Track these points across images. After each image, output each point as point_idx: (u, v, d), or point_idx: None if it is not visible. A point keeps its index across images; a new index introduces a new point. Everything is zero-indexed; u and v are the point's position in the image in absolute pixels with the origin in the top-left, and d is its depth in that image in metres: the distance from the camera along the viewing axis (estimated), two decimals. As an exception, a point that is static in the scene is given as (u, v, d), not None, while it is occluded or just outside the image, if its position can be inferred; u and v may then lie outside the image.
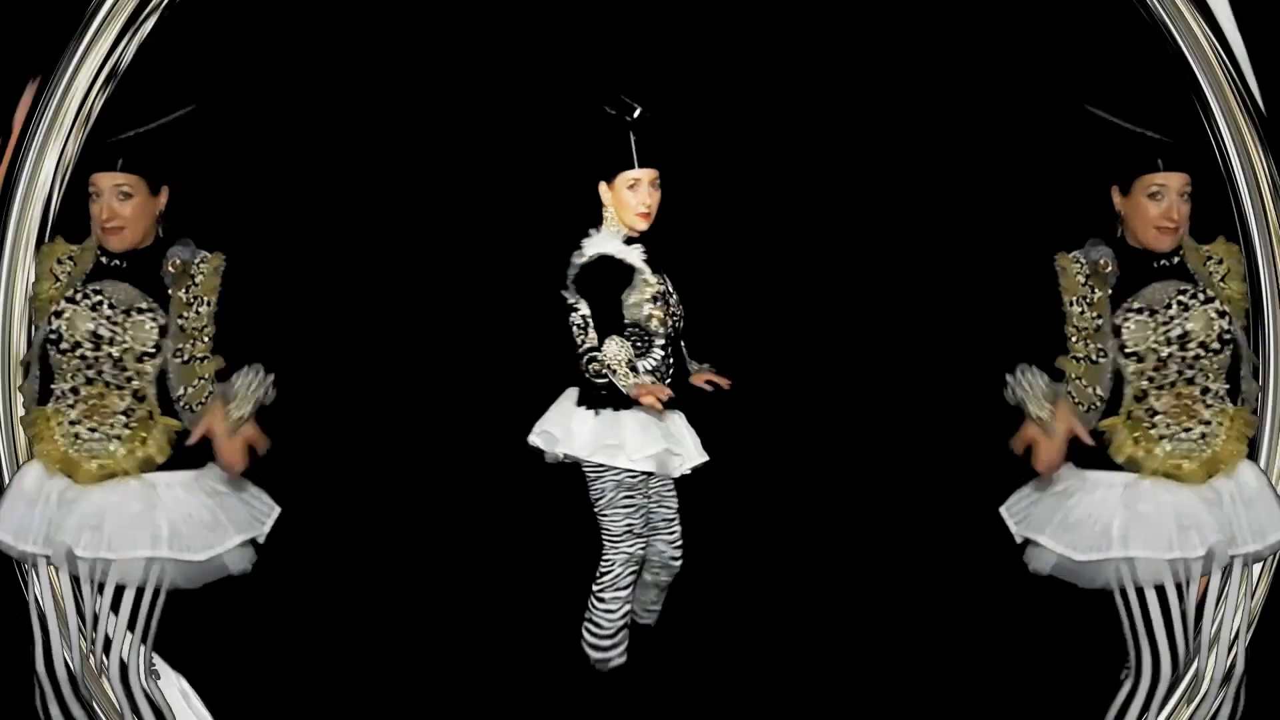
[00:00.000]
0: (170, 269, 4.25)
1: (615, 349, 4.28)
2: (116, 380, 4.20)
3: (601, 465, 4.33)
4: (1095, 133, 4.28)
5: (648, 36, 5.13)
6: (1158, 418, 4.23)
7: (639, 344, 4.31)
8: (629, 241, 4.34)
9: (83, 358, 4.18)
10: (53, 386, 4.22)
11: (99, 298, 4.21)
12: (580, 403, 4.37)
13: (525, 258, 4.83)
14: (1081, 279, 4.29)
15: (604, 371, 4.23)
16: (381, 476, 5.18)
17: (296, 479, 4.55)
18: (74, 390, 4.21)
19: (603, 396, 4.30)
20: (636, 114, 4.33)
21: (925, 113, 5.16)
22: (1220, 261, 4.30)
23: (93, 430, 4.21)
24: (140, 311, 4.21)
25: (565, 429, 4.36)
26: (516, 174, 5.07)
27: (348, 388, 4.97)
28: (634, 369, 4.26)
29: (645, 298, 4.30)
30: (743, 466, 4.97)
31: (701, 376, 4.41)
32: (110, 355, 4.18)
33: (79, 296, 4.21)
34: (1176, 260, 4.26)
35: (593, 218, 4.40)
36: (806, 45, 5.15)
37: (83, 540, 4.16)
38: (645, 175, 4.31)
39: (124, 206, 4.21)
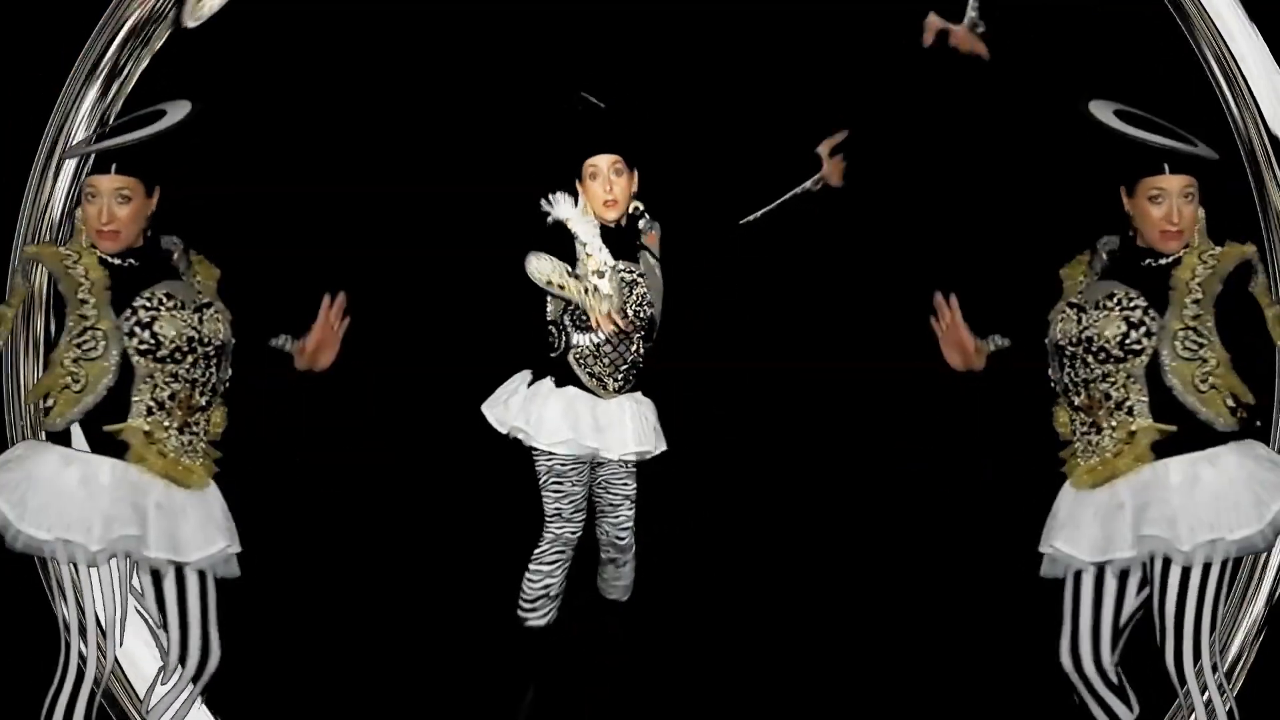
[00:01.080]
0: (179, 257, 4.24)
1: (541, 265, 4.34)
2: (202, 378, 4.18)
3: (534, 449, 4.46)
4: (1099, 133, 4.22)
5: (653, 35, 5.13)
6: (1077, 414, 4.24)
7: (581, 319, 4.38)
8: (603, 230, 4.39)
9: (177, 362, 4.14)
10: (136, 400, 4.13)
11: (173, 301, 4.18)
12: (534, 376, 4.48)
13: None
14: (1081, 276, 4.30)
15: (553, 341, 4.35)
16: (381, 476, 5.20)
17: (294, 477, 4.60)
18: (172, 397, 4.16)
19: (551, 363, 4.41)
20: (591, 104, 4.38)
21: (929, 112, 5.13)
22: (1210, 264, 4.19)
23: (195, 432, 4.18)
24: (207, 307, 4.22)
25: (506, 403, 4.49)
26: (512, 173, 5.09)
27: (342, 386, 4.99)
28: (577, 278, 4.32)
29: (588, 271, 4.34)
30: (734, 462, 4.97)
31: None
32: (205, 355, 4.17)
33: (157, 303, 4.15)
34: (1166, 261, 4.19)
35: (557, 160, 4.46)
36: (803, 47, 5.13)
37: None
38: (603, 162, 4.34)
39: (122, 209, 4.17)
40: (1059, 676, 4.28)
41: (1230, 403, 4.16)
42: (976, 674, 4.88)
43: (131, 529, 4.09)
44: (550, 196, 4.39)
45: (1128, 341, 4.15)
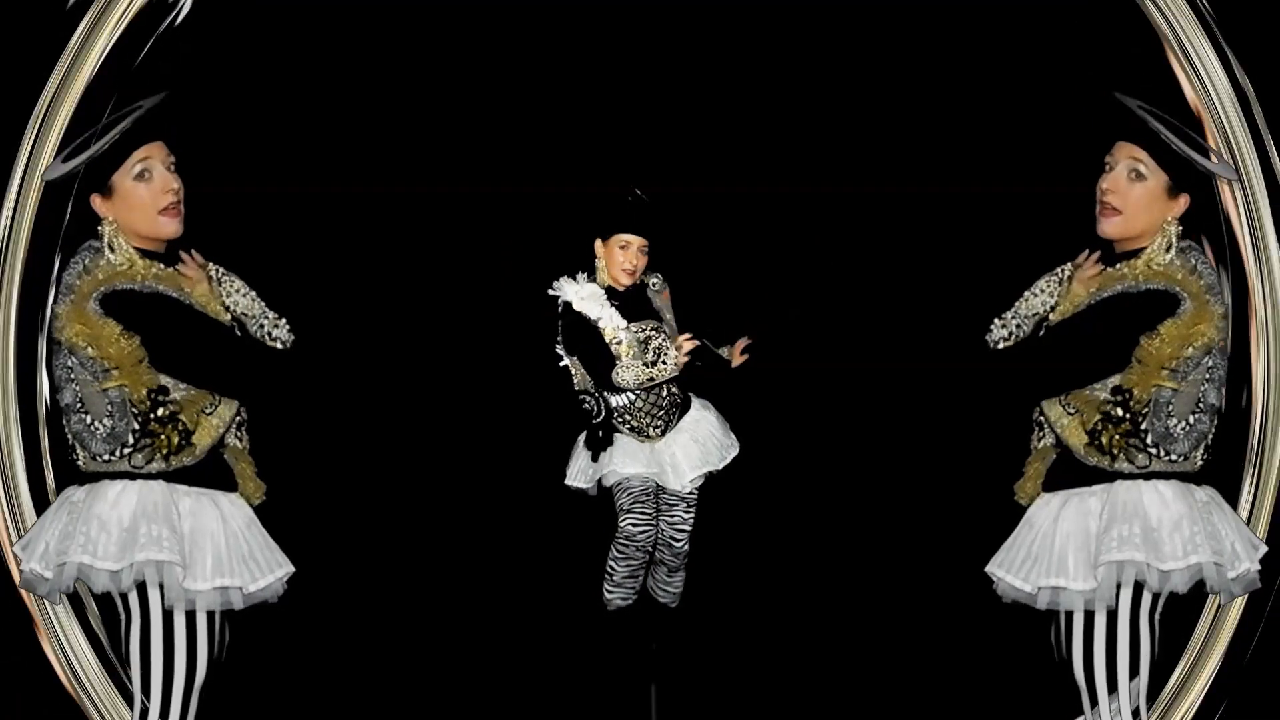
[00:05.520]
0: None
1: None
2: None
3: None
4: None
5: (649, 42, 5.13)
6: None
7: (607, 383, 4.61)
8: (610, 293, 4.59)
9: None
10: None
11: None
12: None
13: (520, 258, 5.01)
14: None
15: (591, 408, 4.57)
16: (385, 478, 5.17)
17: (298, 478, 4.56)
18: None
19: (596, 428, 4.60)
20: (640, 197, 4.62)
21: (918, 116, 5.14)
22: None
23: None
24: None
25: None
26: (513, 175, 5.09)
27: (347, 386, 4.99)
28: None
29: (608, 341, 4.55)
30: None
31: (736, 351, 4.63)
32: None
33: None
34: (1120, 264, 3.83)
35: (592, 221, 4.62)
36: (799, 51, 5.15)
37: None
38: (636, 241, 4.60)
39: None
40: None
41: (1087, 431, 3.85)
42: (984, 674, 4.93)
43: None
44: (556, 293, 4.58)
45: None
